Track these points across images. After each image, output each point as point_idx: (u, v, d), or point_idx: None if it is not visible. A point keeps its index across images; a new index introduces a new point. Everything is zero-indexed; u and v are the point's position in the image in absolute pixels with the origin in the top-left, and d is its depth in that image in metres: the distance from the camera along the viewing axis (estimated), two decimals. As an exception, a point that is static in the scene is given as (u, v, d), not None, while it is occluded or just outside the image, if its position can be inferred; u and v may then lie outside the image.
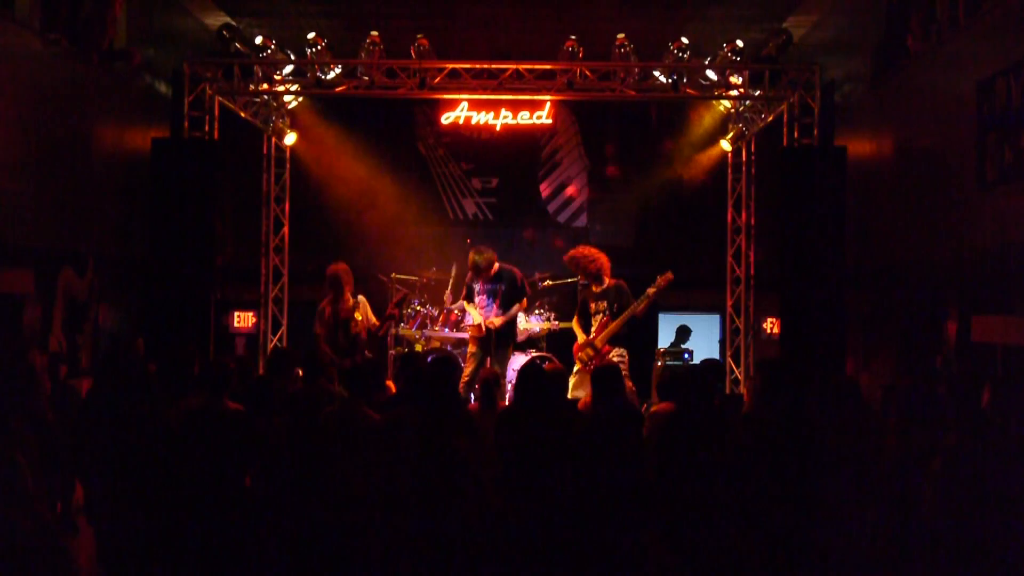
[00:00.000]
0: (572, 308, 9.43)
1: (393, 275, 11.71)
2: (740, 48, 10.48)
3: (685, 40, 10.29)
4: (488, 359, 9.41)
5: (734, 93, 10.86)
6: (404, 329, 11.14)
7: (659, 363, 11.43)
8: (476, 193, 13.56)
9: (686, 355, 11.72)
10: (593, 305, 8.96)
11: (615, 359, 8.65)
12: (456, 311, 11.00)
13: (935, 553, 5.00)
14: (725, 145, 12.31)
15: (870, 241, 9.86)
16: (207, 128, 10.34)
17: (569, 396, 8.32)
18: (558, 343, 11.31)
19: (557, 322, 11.27)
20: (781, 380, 5.86)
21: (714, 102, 12.21)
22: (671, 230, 13.21)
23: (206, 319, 9.99)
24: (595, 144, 13.55)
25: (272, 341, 12.18)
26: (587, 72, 10.37)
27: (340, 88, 10.67)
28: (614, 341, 8.81)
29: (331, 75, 10.58)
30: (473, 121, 13.00)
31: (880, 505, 5.46)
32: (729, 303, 12.27)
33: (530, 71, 10.35)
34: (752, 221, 11.97)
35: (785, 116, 10.33)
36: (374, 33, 10.33)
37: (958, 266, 7.81)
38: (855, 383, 6.23)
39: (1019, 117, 6.82)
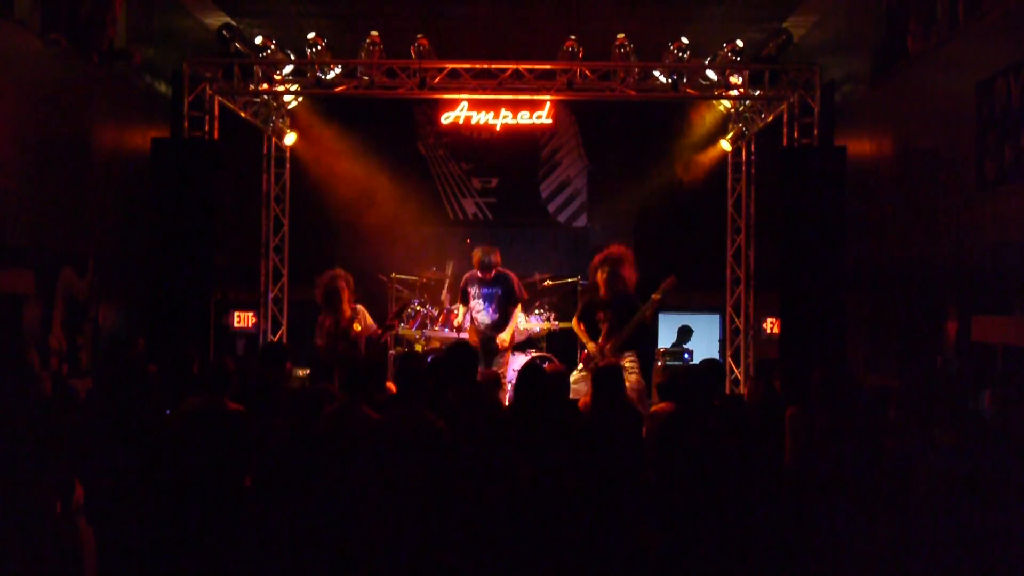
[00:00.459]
0: (572, 308, 9.41)
1: (393, 275, 11.71)
2: (740, 48, 10.48)
3: (685, 40, 10.29)
4: (491, 360, 9.41)
5: (734, 93, 10.86)
6: (404, 329, 11.14)
7: (659, 363, 11.43)
8: (476, 193, 13.56)
9: (686, 355, 11.72)
10: (601, 313, 8.80)
11: (625, 363, 8.55)
12: (455, 311, 11.00)
13: (932, 552, 5.00)
14: (725, 145, 12.32)
15: (870, 241, 9.86)
16: (207, 128, 10.34)
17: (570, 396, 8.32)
18: (558, 343, 11.32)
19: (557, 322, 11.27)
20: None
21: (714, 102, 12.21)
22: (671, 230, 13.20)
23: (206, 319, 10.00)
24: (595, 144, 13.55)
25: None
26: (587, 72, 10.37)
27: (340, 88, 10.67)
28: (625, 347, 8.71)
29: (331, 75, 10.58)
30: (473, 121, 13.00)
31: (880, 504, 5.47)
32: (729, 303, 12.28)
33: (530, 71, 10.35)
34: (752, 221, 11.97)
35: (785, 116, 10.34)
36: (374, 33, 10.33)
37: (958, 266, 7.80)
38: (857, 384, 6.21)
39: (1019, 117, 6.82)
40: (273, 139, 12.31)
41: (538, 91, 10.73)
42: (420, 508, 5.46)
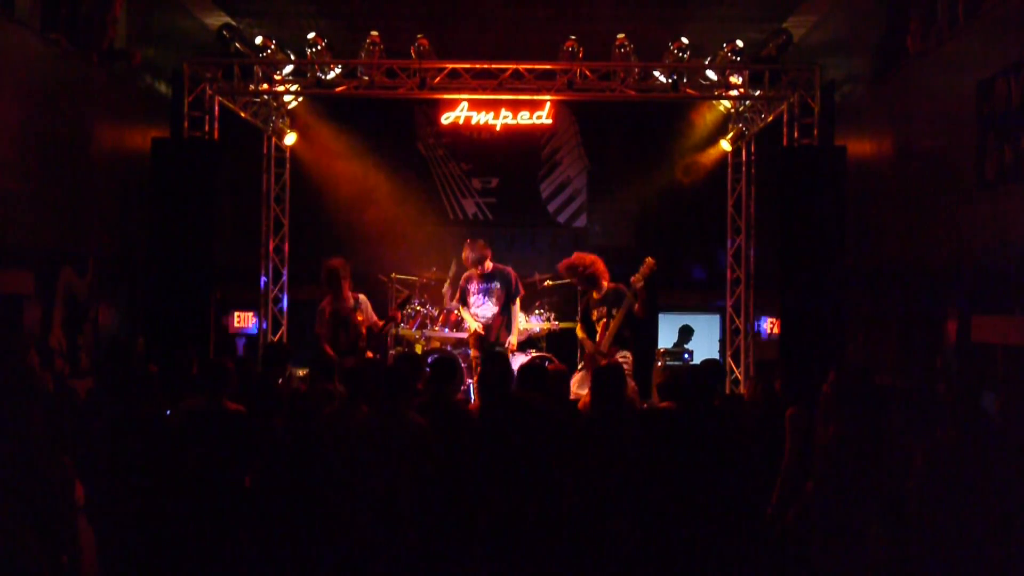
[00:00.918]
0: (572, 308, 9.44)
1: (393, 275, 11.71)
2: (740, 48, 10.48)
3: (685, 40, 10.29)
4: None
5: (734, 93, 10.86)
6: (404, 329, 11.14)
7: (659, 363, 11.43)
8: (476, 193, 13.56)
9: (686, 355, 11.72)
10: (595, 312, 8.87)
11: (620, 360, 8.61)
12: (456, 311, 11.00)
13: (933, 552, 5.00)
14: (725, 145, 12.32)
15: (870, 241, 9.86)
16: (207, 128, 10.34)
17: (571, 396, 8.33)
18: (558, 343, 11.32)
19: (557, 322, 11.27)
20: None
21: (714, 102, 12.21)
22: (671, 230, 13.20)
23: (206, 319, 10.00)
24: (595, 144, 13.54)
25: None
26: (587, 72, 10.37)
27: (340, 88, 10.67)
28: (618, 343, 8.76)
29: (331, 75, 10.58)
30: (473, 121, 13.00)
31: (881, 505, 5.46)
32: (729, 303, 12.28)
33: (530, 71, 10.35)
34: (752, 221, 11.97)
35: (785, 116, 10.34)
36: (374, 33, 10.33)
37: (958, 266, 7.80)
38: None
39: (1019, 117, 6.82)
40: (273, 139, 12.31)
41: (538, 91, 10.73)
42: (420, 507, 5.47)
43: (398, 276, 11.70)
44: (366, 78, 10.49)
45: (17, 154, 7.99)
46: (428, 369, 6.44)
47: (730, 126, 12.27)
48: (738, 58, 10.54)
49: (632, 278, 8.62)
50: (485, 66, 10.34)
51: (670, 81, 10.37)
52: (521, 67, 10.31)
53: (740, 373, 11.92)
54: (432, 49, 10.44)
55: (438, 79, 10.34)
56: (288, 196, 12.54)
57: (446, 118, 12.96)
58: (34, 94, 8.30)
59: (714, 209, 12.63)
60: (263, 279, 12.19)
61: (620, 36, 10.30)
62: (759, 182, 11.94)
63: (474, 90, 10.64)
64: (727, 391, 11.14)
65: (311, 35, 10.44)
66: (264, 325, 12.19)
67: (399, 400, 5.61)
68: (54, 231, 8.65)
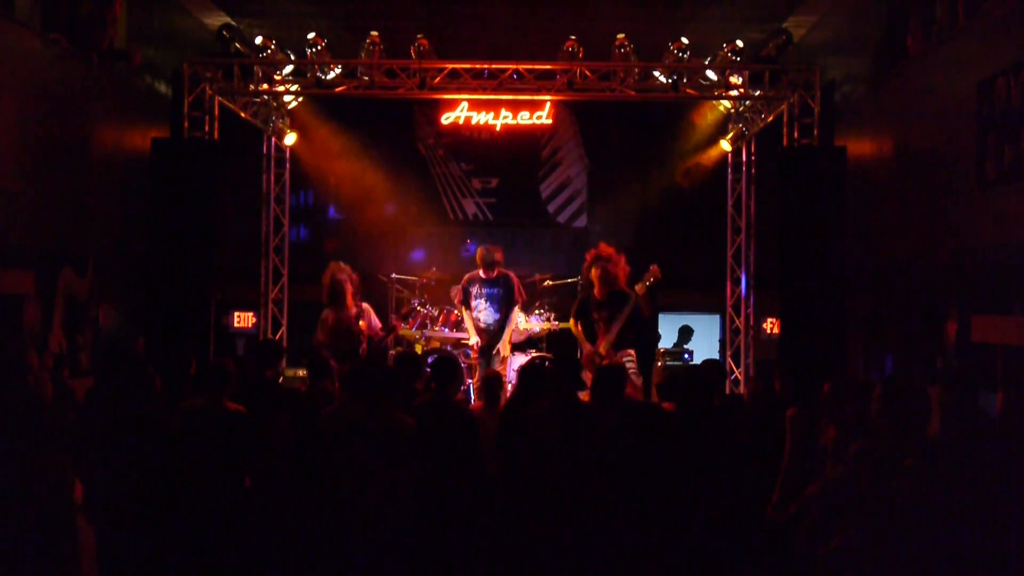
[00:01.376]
0: (572, 308, 9.41)
1: (393, 275, 11.70)
2: (740, 48, 10.48)
3: (685, 40, 10.29)
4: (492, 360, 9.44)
5: (734, 93, 10.86)
6: (404, 329, 11.13)
7: (659, 363, 11.43)
8: (476, 193, 13.55)
9: (686, 355, 11.72)
10: (596, 313, 8.87)
11: (625, 360, 8.60)
12: (457, 313, 10.99)
13: (933, 552, 5.00)
14: (725, 145, 12.31)
15: (870, 241, 9.86)
16: (207, 128, 10.33)
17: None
18: (558, 343, 11.31)
19: (557, 322, 11.27)
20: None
21: (714, 102, 12.21)
22: (671, 230, 13.20)
23: (206, 319, 9.99)
24: (595, 144, 13.54)
25: (272, 341, 12.17)
26: (587, 72, 10.36)
27: (340, 88, 10.66)
28: (622, 344, 8.76)
29: (331, 75, 10.58)
30: (473, 121, 12.99)
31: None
32: (729, 303, 12.27)
33: (530, 71, 10.35)
34: (752, 221, 11.97)
35: (785, 116, 10.33)
36: (374, 33, 10.33)
37: (958, 266, 7.80)
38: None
39: (1019, 117, 6.82)
40: (273, 139, 12.31)
41: (538, 91, 10.73)
42: (420, 506, 5.47)
43: (398, 276, 11.70)
44: (366, 78, 10.49)
45: (17, 154, 7.99)
46: (428, 369, 6.44)
47: (730, 126, 12.27)
48: (738, 58, 10.53)
49: (636, 286, 8.65)
50: (485, 66, 10.34)
51: (670, 81, 10.37)
52: (521, 67, 10.30)
53: (740, 373, 11.92)
54: (432, 49, 10.44)
55: (438, 79, 10.34)
56: (288, 196, 12.54)
57: (446, 118, 12.96)
58: (34, 94, 8.29)
59: (714, 209, 12.62)
60: (263, 279, 12.21)
61: (620, 36, 10.30)
62: (759, 182, 11.94)
63: (474, 90, 10.64)
64: (727, 391, 11.13)
65: (311, 35, 10.44)
66: (264, 325, 12.20)
67: (391, 400, 5.60)
68: (54, 231, 8.64)
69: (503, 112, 12.90)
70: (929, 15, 8.61)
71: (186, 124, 10.27)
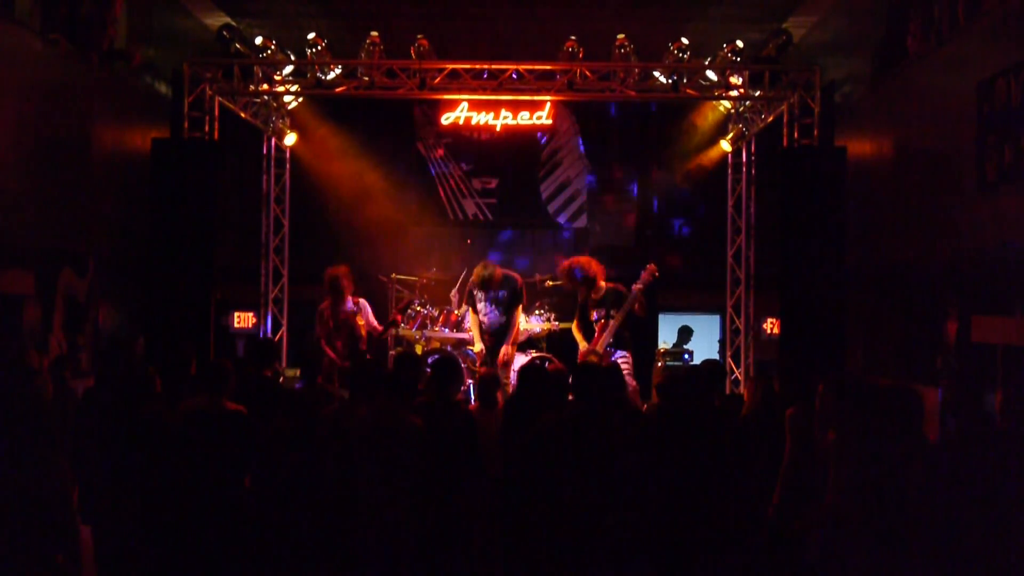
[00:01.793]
0: (572, 308, 9.42)
1: (393, 275, 11.71)
2: (740, 48, 10.48)
3: (685, 40, 10.30)
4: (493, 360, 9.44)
5: (734, 93, 10.86)
6: (404, 329, 11.13)
7: (659, 363, 11.43)
8: (476, 193, 13.55)
9: (686, 356, 11.71)
10: (594, 312, 8.93)
11: (620, 362, 8.63)
12: (456, 312, 10.99)
13: (933, 552, 5.00)
14: (725, 145, 12.32)
15: (870, 241, 9.85)
16: (207, 128, 10.34)
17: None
18: (558, 343, 11.31)
19: (557, 323, 11.27)
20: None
21: (714, 103, 12.21)
22: (671, 230, 13.20)
23: (206, 319, 9.99)
24: (595, 144, 13.54)
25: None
26: (587, 72, 10.36)
27: (340, 88, 10.67)
28: (617, 344, 8.79)
29: (331, 75, 10.58)
30: (473, 121, 13.00)
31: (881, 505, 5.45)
32: (729, 303, 12.27)
33: (530, 71, 10.36)
34: (752, 221, 11.97)
35: (785, 116, 10.34)
36: (374, 33, 10.33)
37: (958, 266, 7.80)
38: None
39: (1019, 117, 6.82)
40: (273, 139, 12.31)
41: (538, 91, 10.74)
42: (420, 506, 5.47)
43: (398, 276, 11.70)
44: (366, 78, 10.49)
45: (17, 154, 7.99)
46: (428, 369, 6.44)
47: (730, 126, 12.27)
48: (738, 58, 10.53)
49: (634, 285, 8.67)
50: (485, 66, 10.34)
51: (670, 81, 10.37)
52: (521, 67, 10.31)
53: (740, 373, 11.92)
54: (432, 49, 10.44)
55: (438, 79, 10.34)
56: (288, 196, 12.54)
57: (446, 118, 12.96)
58: (34, 94, 8.29)
59: (714, 209, 12.63)
60: (263, 279, 12.21)
61: (620, 36, 10.30)
62: (759, 182, 11.94)
63: (474, 90, 10.64)
64: (727, 391, 11.14)
65: (311, 35, 10.44)
66: (264, 325, 12.20)
67: (398, 400, 5.61)
68: (54, 231, 8.64)
69: (503, 112, 12.90)
70: (929, 15, 8.61)
71: (186, 124, 10.27)
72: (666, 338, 12.53)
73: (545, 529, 5.48)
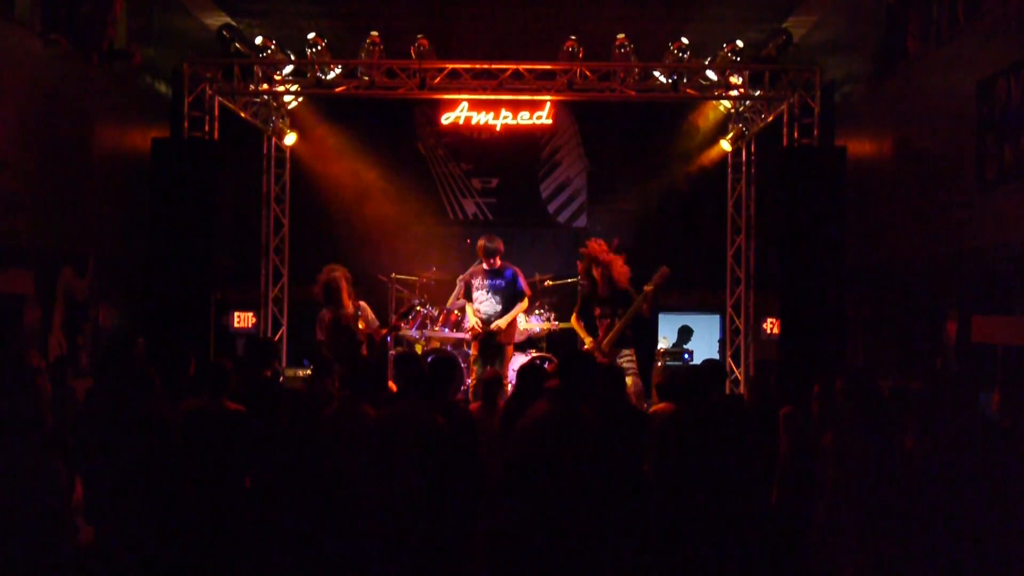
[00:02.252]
0: (572, 308, 9.41)
1: (393, 275, 11.70)
2: (740, 48, 10.48)
3: (685, 40, 10.30)
4: (492, 360, 9.42)
5: (734, 93, 10.86)
6: (404, 330, 11.13)
7: (659, 363, 11.42)
8: (476, 193, 13.55)
9: (686, 355, 11.71)
10: (599, 309, 8.90)
11: (623, 361, 8.63)
12: (456, 312, 10.99)
13: (932, 552, 5.00)
14: (725, 145, 12.32)
15: (870, 241, 9.86)
16: (207, 128, 10.34)
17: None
18: (558, 343, 11.31)
19: (557, 322, 11.27)
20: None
21: (714, 102, 12.21)
22: (671, 230, 13.20)
23: (206, 319, 10.00)
24: (595, 144, 13.54)
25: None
26: (587, 72, 10.37)
27: (340, 88, 10.67)
28: (621, 343, 8.78)
29: (331, 75, 10.58)
30: (473, 121, 12.99)
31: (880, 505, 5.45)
32: (729, 303, 12.27)
33: (530, 71, 10.36)
34: (752, 221, 11.97)
35: (785, 116, 10.34)
36: (374, 33, 10.33)
37: (958, 266, 7.80)
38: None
39: (1019, 117, 6.82)
40: (273, 139, 12.31)
41: (538, 91, 10.74)
42: (422, 503, 5.46)
43: (398, 276, 11.69)
44: (366, 78, 10.49)
45: (17, 154, 7.99)
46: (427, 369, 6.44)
47: (730, 126, 12.27)
48: (738, 58, 10.53)
49: (645, 286, 8.65)
50: (485, 66, 10.34)
51: (670, 81, 10.37)
52: (521, 67, 10.31)
53: (740, 373, 11.92)
54: (432, 49, 10.44)
55: (438, 79, 10.34)
56: (288, 196, 12.54)
57: (446, 118, 12.95)
58: (34, 94, 8.29)
59: (714, 209, 12.63)
60: (263, 279, 12.21)
61: (620, 36, 10.30)
62: (759, 182, 11.94)
63: (474, 90, 10.64)
64: (727, 391, 11.14)
65: (311, 35, 10.44)
66: (264, 325, 12.20)
67: (426, 399, 5.60)
68: (54, 231, 8.64)
69: (503, 112, 12.89)
70: (929, 15, 8.62)
71: (186, 124, 10.27)
72: (666, 337, 12.52)
73: (544, 526, 5.48)
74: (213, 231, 10.14)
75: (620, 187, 13.34)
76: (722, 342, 12.59)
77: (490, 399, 6.74)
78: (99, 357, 9.13)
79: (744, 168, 12.13)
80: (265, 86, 10.80)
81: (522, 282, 9.65)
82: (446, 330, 11.06)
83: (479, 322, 9.50)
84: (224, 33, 10.75)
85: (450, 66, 10.30)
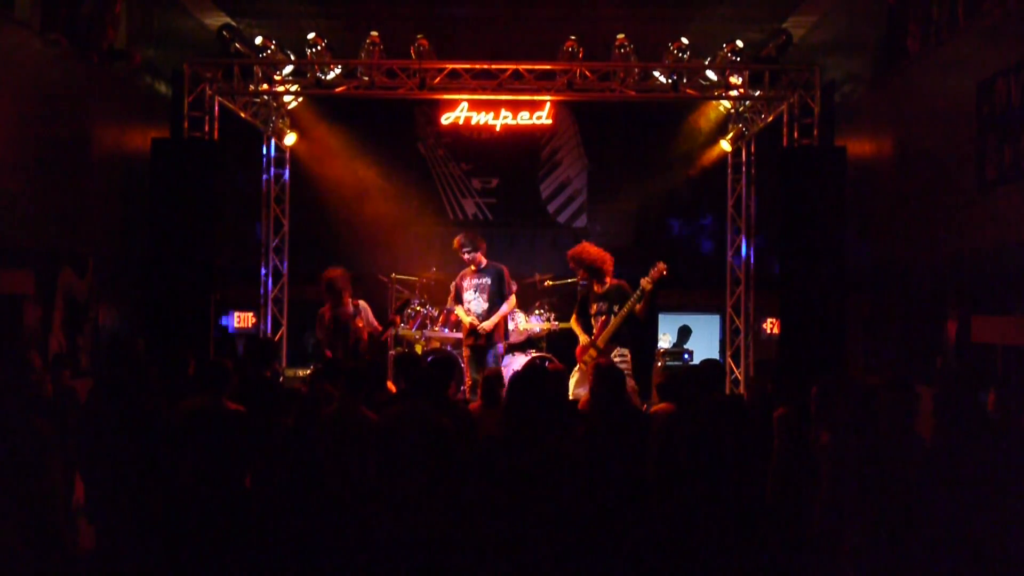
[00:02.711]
0: (572, 308, 9.41)
1: (393, 275, 11.70)
2: (740, 48, 10.48)
3: (685, 40, 10.29)
4: (487, 359, 9.42)
5: (734, 93, 10.85)
6: (404, 329, 11.14)
7: (659, 363, 11.42)
8: (476, 193, 13.55)
9: (686, 355, 11.71)
10: (595, 306, 8.92)
11: (617, 359, 8.63)
12: (456, 313, 10.99)
13: (931, 551, 5.00)
14: (725, 145, 12.31)
15: (870, 241, 9.86)
16: (207, 128, 10.33)
17: (570, 396, 8.33)
18: (558, 343, 11.32)
19: (557, 322, 11.27)
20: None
21: (714, 102, 12.21)
22: (671, 230, 13.20)
23: (206, 319, 9.99)
24: (595, 144, 13.54)
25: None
26: (587, 72, 10.36)
27: (340, 88, 10.66)
28: (616, 341, 8.79)
29: (331, 75, 10.58)
30: (473, 121, 12.99)
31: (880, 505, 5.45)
32: (729, 303, 12.27)
33: (530, 71, 10.35)
34: (752, 221, 11.97)
35: (785, 116, 10.34)
36: (374, 33, 10.33)
37: (958, 266, 7.80)
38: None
39: (1019, 117, 6.82)
40: (273, 139, 12.31)
41: (538, 91, 10.74)
42: (426, 504, 5.46)
43: (398, 276, 11.70)
44: (366, 78, 10.49)
45: (17, 154, 8.00)
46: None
47: (730, 126, 12.27)
48: (738, 58, 10.53)
49: (642, 280, 8.65)
50: (485, 66, 10.34)
51: (670, 81, 10.37)
52: (521, 67, 10.30)
53: (740, 373, 11.92)
54: (432, 49, 10.44)
55: (438, 79, 10.34)
56: (288, 196, 12.54)
57: (446, 118, 12.95)
58: (34, 94, 8.30)
59: (714, 209, 12.62)
60: (263, 279, 12.21)
61: (620, 36, 10.29)
62: (759, 182, 11.93)
63: (474, 90, 10.64)
64: (727, 391, 11.14)
65: (311, 35, 10.44)
66: (264, 325, 12.20)
67: (429, 399, 5.60)
68: (54, 231, 8.65)
69: (503, 112, 12.89)
70: (929, 15, 8.62)
71: (186, 124, 10.27)
72: (666, 335, 12.53)
73: (544, 527, 5.48)
74: (213, 231, 10.13)
75: (620, 187, 13.34)
76: (722, 342, 12.60)
77: (491, 398, 6.73)
78: (99, 357, 9.14)
79: (744, 168, 12.12)
80: (265, 86, 10.80)
81: (507, 280, 9.67)
82: (446, 330, 11.07)
83: (473, 319, 9.52)
84: (224, 33, 10.75)
85: (450, 66, 10.30)
